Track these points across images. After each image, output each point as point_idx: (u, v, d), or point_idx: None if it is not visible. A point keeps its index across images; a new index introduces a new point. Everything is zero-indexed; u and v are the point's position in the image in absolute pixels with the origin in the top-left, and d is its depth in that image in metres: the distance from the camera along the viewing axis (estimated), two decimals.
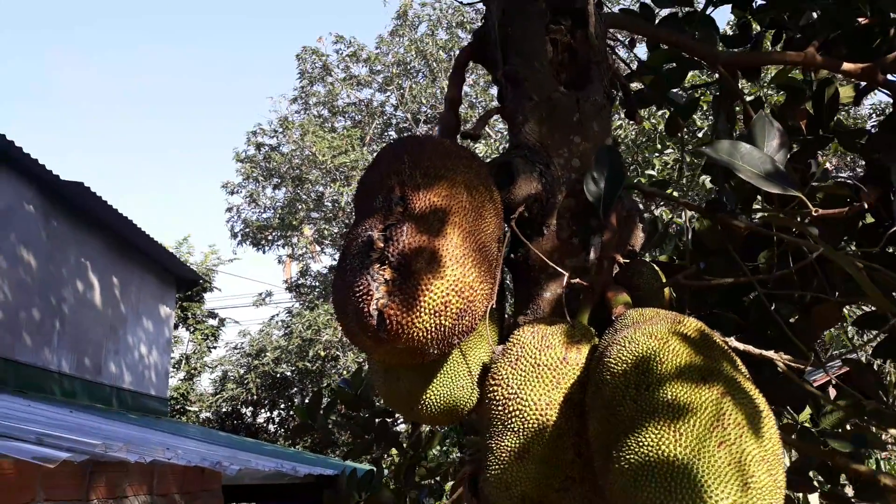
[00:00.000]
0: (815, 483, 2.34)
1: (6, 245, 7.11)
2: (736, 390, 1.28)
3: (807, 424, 2.23)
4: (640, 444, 1.23)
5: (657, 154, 10.73)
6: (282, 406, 19.24)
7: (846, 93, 2.82)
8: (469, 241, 1.65)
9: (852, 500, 2.21)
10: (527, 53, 2.06)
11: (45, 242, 7.77)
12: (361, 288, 1.56)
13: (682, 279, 1.77)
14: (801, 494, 7.15)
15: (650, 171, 10.35)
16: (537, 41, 2.07)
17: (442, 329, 1.58)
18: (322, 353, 17.98)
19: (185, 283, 12.13)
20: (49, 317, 7.75)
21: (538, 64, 2.05)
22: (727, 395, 1.26)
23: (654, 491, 1.18)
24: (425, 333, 1.56)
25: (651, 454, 1.21)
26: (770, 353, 1.48)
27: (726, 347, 1.42)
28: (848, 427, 2.21)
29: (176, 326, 19.11)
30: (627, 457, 1.24)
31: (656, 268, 1.84)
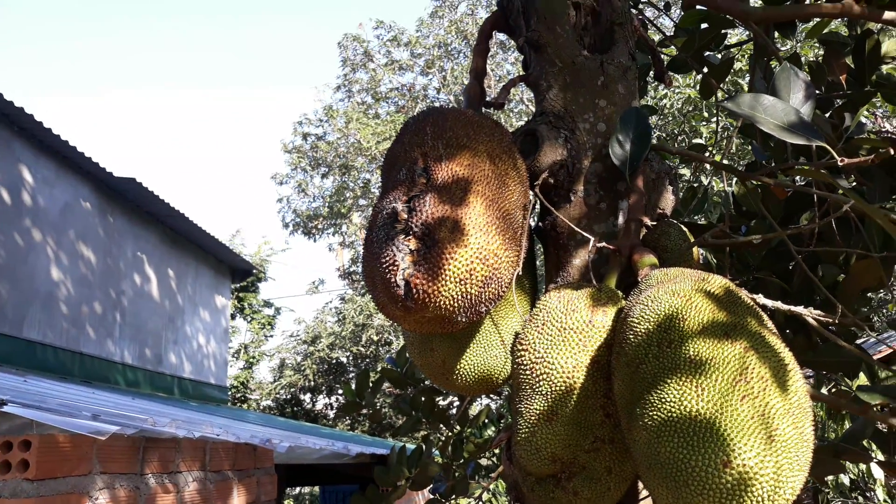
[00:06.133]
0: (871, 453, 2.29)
1: (66, 241, 7.38)
2: (760, 345, 1.26)
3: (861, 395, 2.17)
4: (663, 400, 1.23)
5: (704, 122, 10.49)
6: (339, 391, 19.57)
7: (891, 46, 2.72)
8: (492, 208, 1.66)
9: None
10: (549, 18, 2.05)
11: (103, 237, 8.04)
12: (388, 259, 1.58)
13: (708, 238, 1.75)
14: (863, 465, 6.98)
15: (698, 140, 10.13)
16: (559, 5, 2.06)
17: (468, 297, 1.60)
18: (375, 338, 18.21)
19: (239, 274, 12.40)
20: (110, 309, 8.03)
21: (560, 29, 2.03)
22: (751, 350, 1.25)
23: (678, 446, 1.18)
24: (452, 301, 1.58)
25: (674, 410, 1.20)
26: (798, 309, 1.45)
27: (752, 304, 1.40)
28: None
29: (233, 317, 19.58)
30: (650, 413, 1.24)
31: (684, 228, 1.82)
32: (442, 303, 1.57)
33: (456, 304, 1.59)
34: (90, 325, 7.63)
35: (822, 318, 1.41)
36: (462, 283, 1.57)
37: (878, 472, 6.72)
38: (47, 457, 1.52)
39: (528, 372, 1.53)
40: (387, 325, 18.42)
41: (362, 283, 21.95)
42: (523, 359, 1.56)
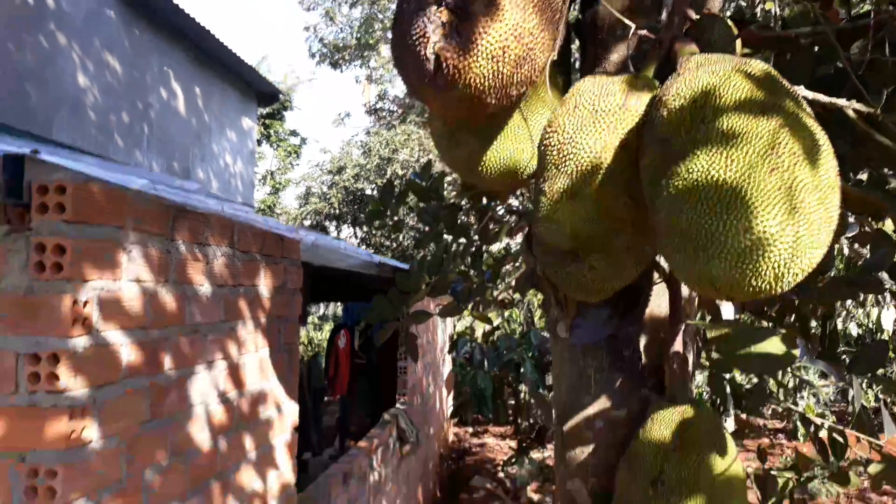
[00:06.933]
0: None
1: (92, 49, 7.27)
2: (795, 123, 1.24)
3: None
4: (690, 170, 1.22)
5: None
6: (363, 222, 19.90)
7: None
8: None
9: None
10: None
11: (128, 49, 7.90)
12: (418, 31, 1.54)
13: (755, 30, 1.67)
14: (873, 316, 7.12)
15: None
16: None
17: (500, 76, 1.56)
18: (400, 172, 18.25)
19: (266, 98, 12.23)
20: (137, 120, 8.05)
21: None
22: (786, 127, 1.22)
23: (700, 213, 1.18)
24: (482, 80, 1.55)
25: (700, 178, 1.20)
26: (840, 101, 1.41)
27: (792, 89, 1.36)
28: None
29: (259, 143, 19.61)
30: (675, 183, 1.24)
31: (730, 23, 1.74)
32: (472, 80, 1.54)
33: (487, 83, 1.56)
34: (118, 134, 7.68)
35: (862, 109, 1.37)
36: (494, 60, 1.53)
37: (886, 323, 6.85)
38: (82, 204, 1.57)
39: (554, 153, 1.52)
40: (411, 160, 18.40)
41: (388, 119, 21.68)
42: (551, 140, 1.54)
